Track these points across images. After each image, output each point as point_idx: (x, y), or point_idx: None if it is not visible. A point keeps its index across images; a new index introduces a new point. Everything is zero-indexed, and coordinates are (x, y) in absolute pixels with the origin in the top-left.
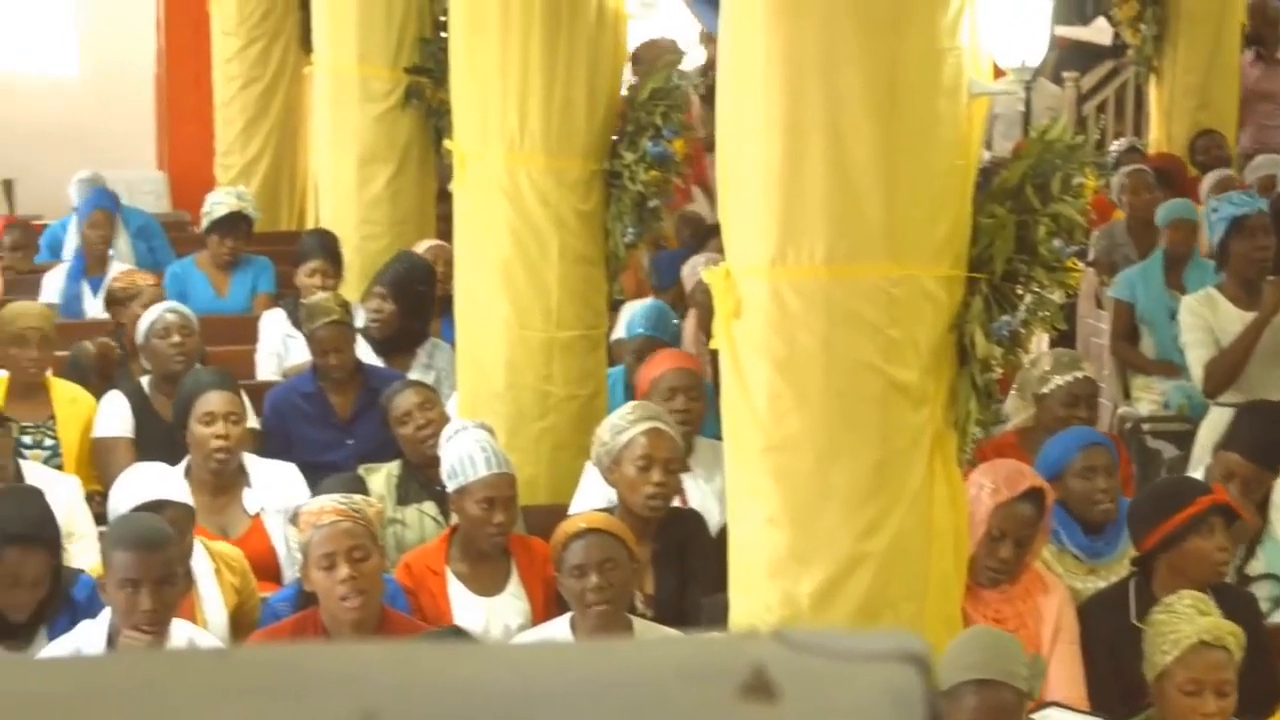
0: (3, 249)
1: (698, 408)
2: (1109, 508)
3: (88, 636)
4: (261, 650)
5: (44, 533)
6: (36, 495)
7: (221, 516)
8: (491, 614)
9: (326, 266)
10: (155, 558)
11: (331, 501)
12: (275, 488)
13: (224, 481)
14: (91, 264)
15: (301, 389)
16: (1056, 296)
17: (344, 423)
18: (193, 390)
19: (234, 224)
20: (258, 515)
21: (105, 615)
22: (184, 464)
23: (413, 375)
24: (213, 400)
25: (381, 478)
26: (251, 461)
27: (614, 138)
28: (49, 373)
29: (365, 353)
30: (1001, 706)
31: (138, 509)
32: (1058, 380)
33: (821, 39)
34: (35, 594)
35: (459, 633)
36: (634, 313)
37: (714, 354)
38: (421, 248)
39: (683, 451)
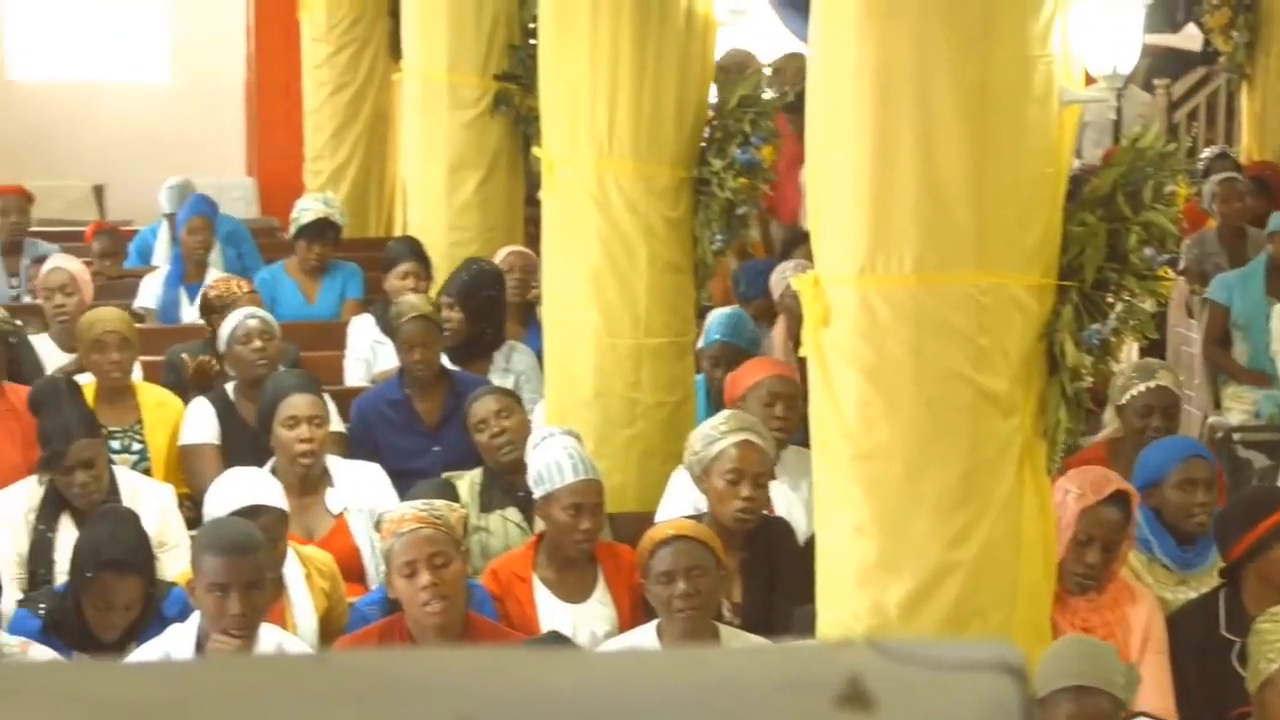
0: (92, 254)
1: (795, 416)
2: (1205, 520)
3: (177, 641)
4: (357, 656)
5: (137, 558)
6: (131, 519)
7: (305, 517)
8: (578, 621)
9: (418, 269)
10: (245, 562)
11: (412, 509)
12: (358, 487)
13: (308, 483)
14: (190, 270)
15: (388, 396)
16: (1147, 305)
17: (430, 429)
18: (276, 394)
19: (322, 230)
20: (341, 515)
21: (194, 620)
22: (269, 466)
23: (491, 379)
24: (296, 403)
25: (465, 485)
26: (334, 462)
27: (702, 145)
28: (136, 377)
29: (443, 361)
30: (1098, 714)
31: (233, 514)
32: (1134, 390)
33: (912, 47)
34: (127, 616)
35: (559, 638)
36: (711, 319)
37: (802, 362)
38: (501, 254)
39: (773, 463)
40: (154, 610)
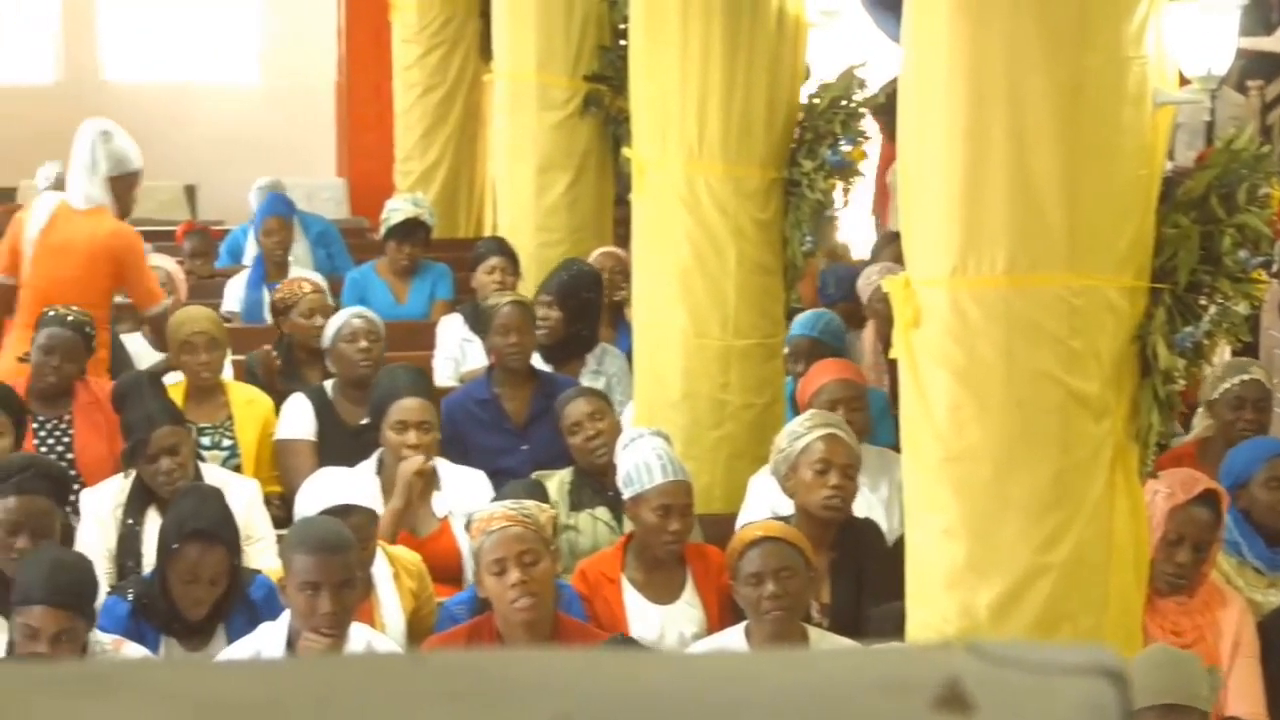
0: (184, 255)
1: (859, 419)
2: None
3: (268, 639)
4: (455, 656)
5: (223, 531)
6: (216, 494)
7: (411, 517)
8: (666, 622)
9: (505, 264)
10: (336, 561)
11: (502, 507)
12: (464, 493)
13: (417, 481)
14: (270, 270)
15: (477, 395)
16: (1241, 308)
17: (518, 429)
18: (389, 394)
19: (412, 230)
20: (446, 519)
21: (285, 618)
22: (375, 459)
23: (583, 381)
24: (407, 408)
25: (555, 484)
26: (443, 466)
27: (792, 146)
28: (226, 375)
29: (535, 361)
30: None
31: (324, 513)
32: (1226, 384)
33: (1005, 48)
34: (213, 591)
35: (630, 643)
36: (796, 319)
37: (892, 364)
38: (593, 255)
39: (859, 458)
40: (240, 591)
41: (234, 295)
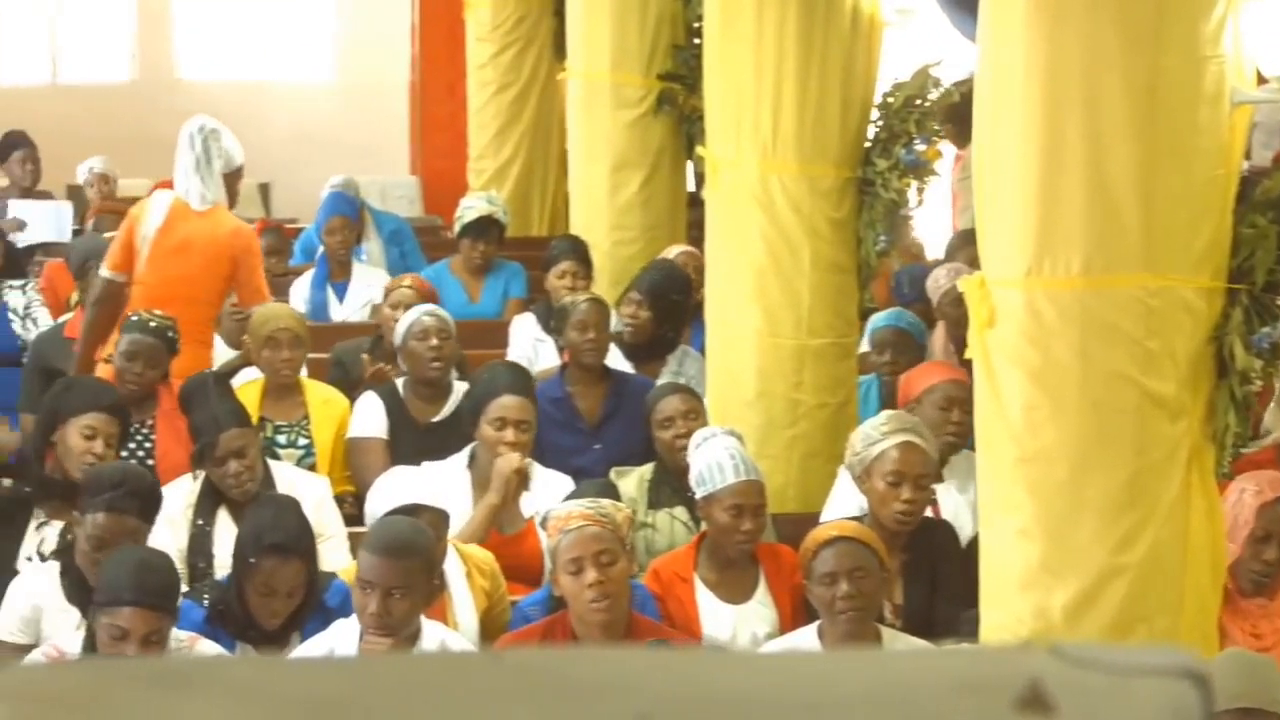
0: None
1: (970, 421)
2: None
3: (340, 636)
4: (532, 654)
5: (300, 544)
6: (293, 505)
7: (500, 514)
8: (739, 621)
9: (577, 268)
10: (394, 565)
11: (579, 506)
12: (551, 495)
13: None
14: (334, 270)
15: (550, 394)
16: None
17: (591, 427)
18: (488, 390)
19: (485, 228)
20: (532, 519)
21: (355, 617)
22: (467, 453)
23: (662, 381)
24: (507, 405)
25: (634, 481)
26: (536, 470)
27: (867, 145)
28: (302, 374)
29: (615, 358)
30: None
31: (393, 513)
32: None
33: (1082, 48)
34: (289, 603)
35: (719, 646)
36: (876, 314)
37: (964, 365)
38: (672, 253)
39: (936, 466)
40: (316, 599)
41: (299, 294)
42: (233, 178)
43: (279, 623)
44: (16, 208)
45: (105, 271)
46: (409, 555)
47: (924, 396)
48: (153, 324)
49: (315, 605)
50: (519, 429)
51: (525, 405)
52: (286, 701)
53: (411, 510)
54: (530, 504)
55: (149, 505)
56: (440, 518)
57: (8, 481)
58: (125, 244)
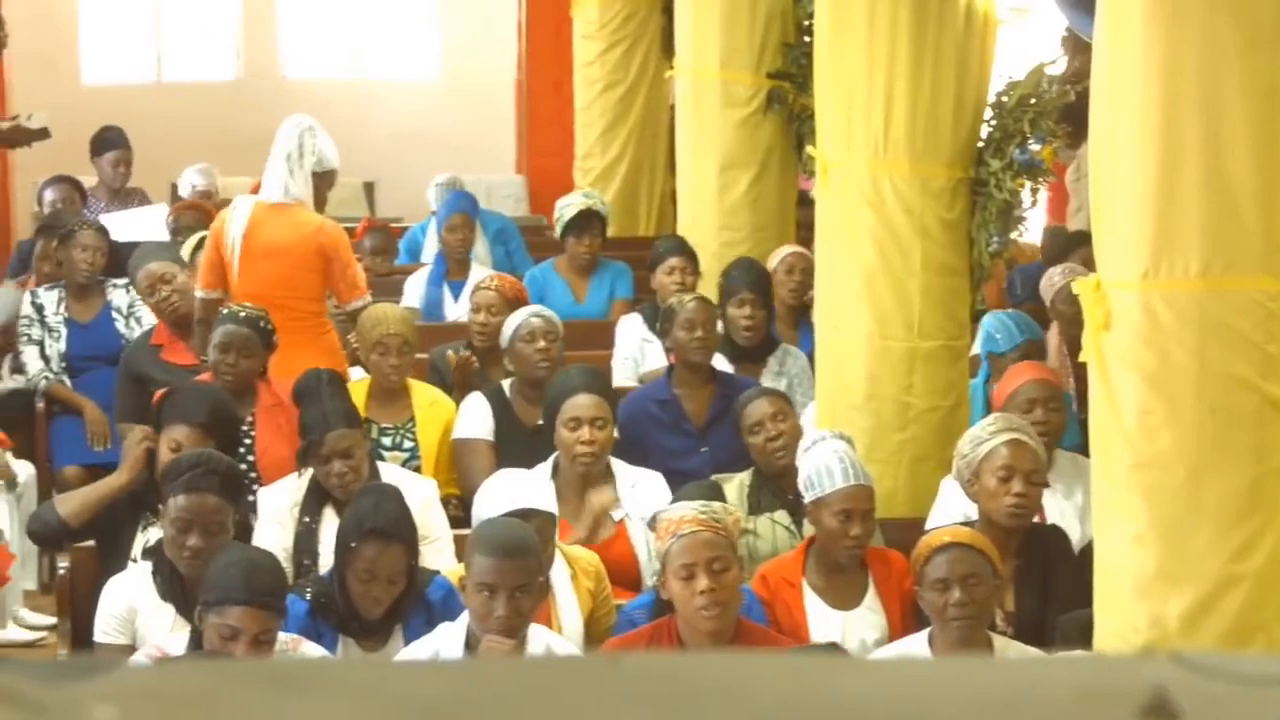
0: (363, 252)
1: (1057, 420)
2: None
3: (446, 640)
4: (649, 659)
5: (401, 529)
6: (395, 493)
7: (587, 519)
8: (847, 627)
9: (685, 264)
10: (513, 565)
11: (692, 510)
12: (641, 495)
13: (590, 484)
14: (452, 268)
15: (656, 396)
16: None
17: (698, 430)
18: (562, 392)
19: (588, 222)
20: (622, 521)
21: (464, 619)
22: (550, 463)
23: (764, 383)
24: (580, 404)
25: (734, 487)
26: (620, 468)
27: (979, 145)
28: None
29: (717, 360)
30: None
31: (504, 515)
32: None
33: (1200, 47)
34: (390, 591)
35: (835, 648)
36: (991, 321)
37: (1080, 367)
38: (780, 254)
39: (1045, 464)
40: (418, 590)
41: (414, 292)
42: (323, 180)
43: (381, 611)
44: (111, 220)
45: (200, 292)
46: (527, 554)
47: (1008, 401)
48: (243, 315)
49: (417, 597)
50: (594, 426)
51: (599, 403)
52: (401, 704)
53: (522, 514)
54: (619, 506)
55: (230, 485)
56: (549, 521)
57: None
58: (213, 261)
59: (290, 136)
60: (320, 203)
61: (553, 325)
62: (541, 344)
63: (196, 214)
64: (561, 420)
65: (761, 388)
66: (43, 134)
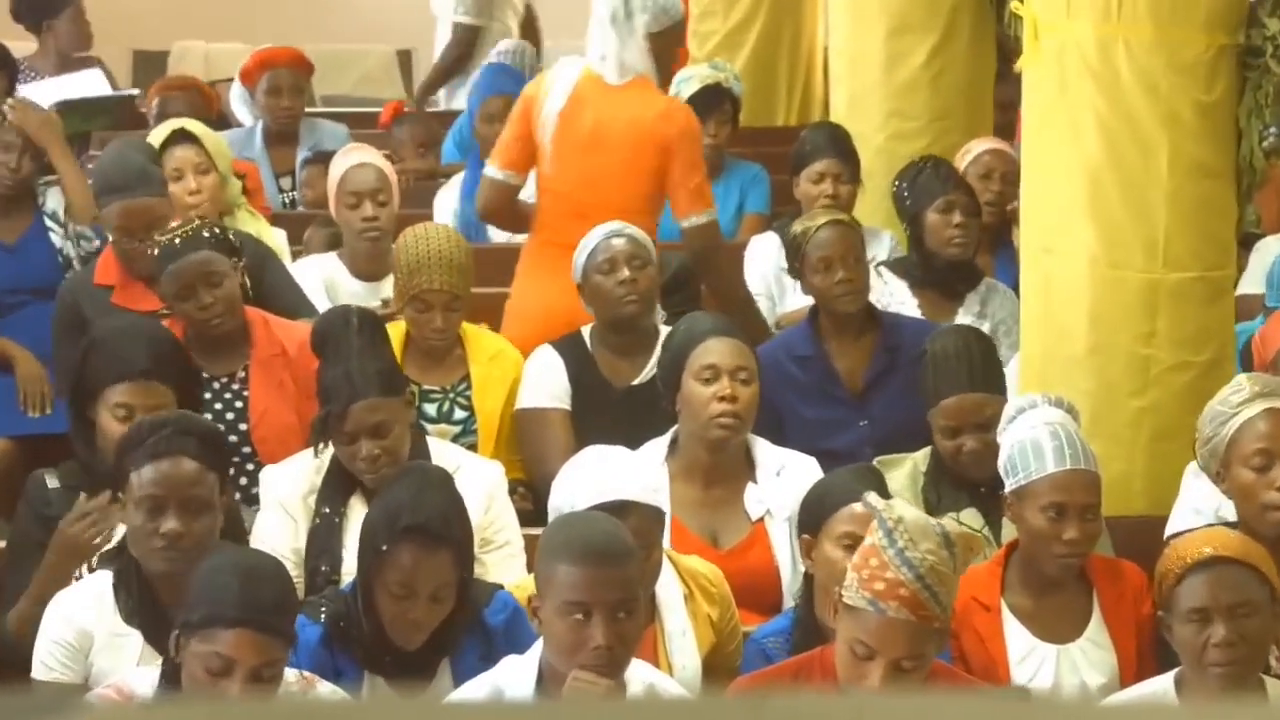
0: (391, 146)
1: None
2: None
3: (512, 677)
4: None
5: (451, 528)
6: (443, 481)
7: (713, 517)
8: (1063, 665)
9: (840, 168)
10: (614, 576)
11: (901, 568)
12: (789, 487)
13: (723, 470)
14: None
15: (796, 350)
16: None
17: (854, 396)
18: (689, 336)
19: (716, 102)
20: (760, 521)
21: (535, 651)
22: (667, 439)
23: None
24: (718, 349)
25: (904, 474)
26: (763, 449)
27: (1250, 0)
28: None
29: (899, 294)
30: None
31: (592, 509)
32: None
33: None
34: (435, 612)
35: (1025, 695)
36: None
37: None
38: (972, 152)
39: None
40: (472, 613)
41: (445, 208)
42: (671, 37)
43: (421, 639)
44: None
45: (491, 170)
46: (628, 561)
47: (1278, 358)
48: (178, 239)
49: (471, 620)
50: (737, 379)
51: (742, 349)
52: None
53: (617, 508)
54: (757, 500)
55: (211, 448)
56: (655, 518)
57: (53, 483)
58: (520, 134)
59: None
60: (668, 71)
61: (641, 248)
62: (625, 274)
63: (189, 97)
64: (691, 372)
65: (957, 326)
66: None
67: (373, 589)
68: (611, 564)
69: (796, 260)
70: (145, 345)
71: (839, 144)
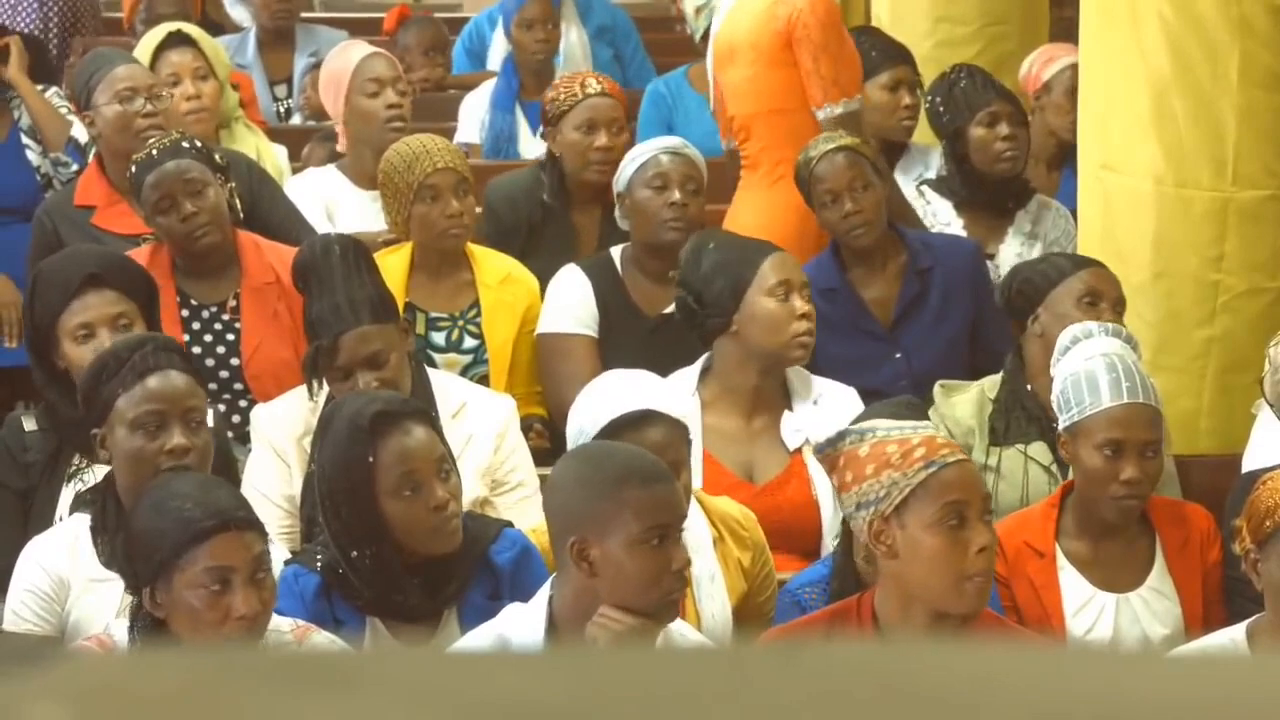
0: (405, 53)
1: None
2: None
3: (517, 626)
4: (836, 652)
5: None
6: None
7: (750, 449)
8: (1123, 616)
9: (913, 76)
10: (678, 493)
11: (921, 433)
12: (827, 417)
13: (766, 397)
14: (527, 82)
15: (819, 282)
16: None
17: (886, 329)
18: (749, 252)
19: None
20: (799, 453)
21: (542, 596)
22: (698, 367)
23: (1011, 249)
24: (783, 263)
25: (971, 398)
26: (798, 375)
27: None
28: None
29: (943, 214)
30: None
31: (614, 422)
32: None
33: None
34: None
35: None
36: None
37: None
38: (1061, 62)
39: None
40: (479, 552)
41: (472, 118)
42: None
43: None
44: None
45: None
46: (670, 480)
47: None
48: (155, 150)
49: (476, 560)
50: (804, 295)
51: (793, 263)
52: (477, 707)
53: (640, 420)
54: (794, 430)
55: (193, 369)
56: (681, 433)
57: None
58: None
59: None
60: None
61: (692, 165)
62: (677, 195)
63: None
64: (761, 289)
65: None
66: None
67: (375, 507)
68: (669, 479)
69: (807, 193)
70: (89, 256)
71: (902, 51)
